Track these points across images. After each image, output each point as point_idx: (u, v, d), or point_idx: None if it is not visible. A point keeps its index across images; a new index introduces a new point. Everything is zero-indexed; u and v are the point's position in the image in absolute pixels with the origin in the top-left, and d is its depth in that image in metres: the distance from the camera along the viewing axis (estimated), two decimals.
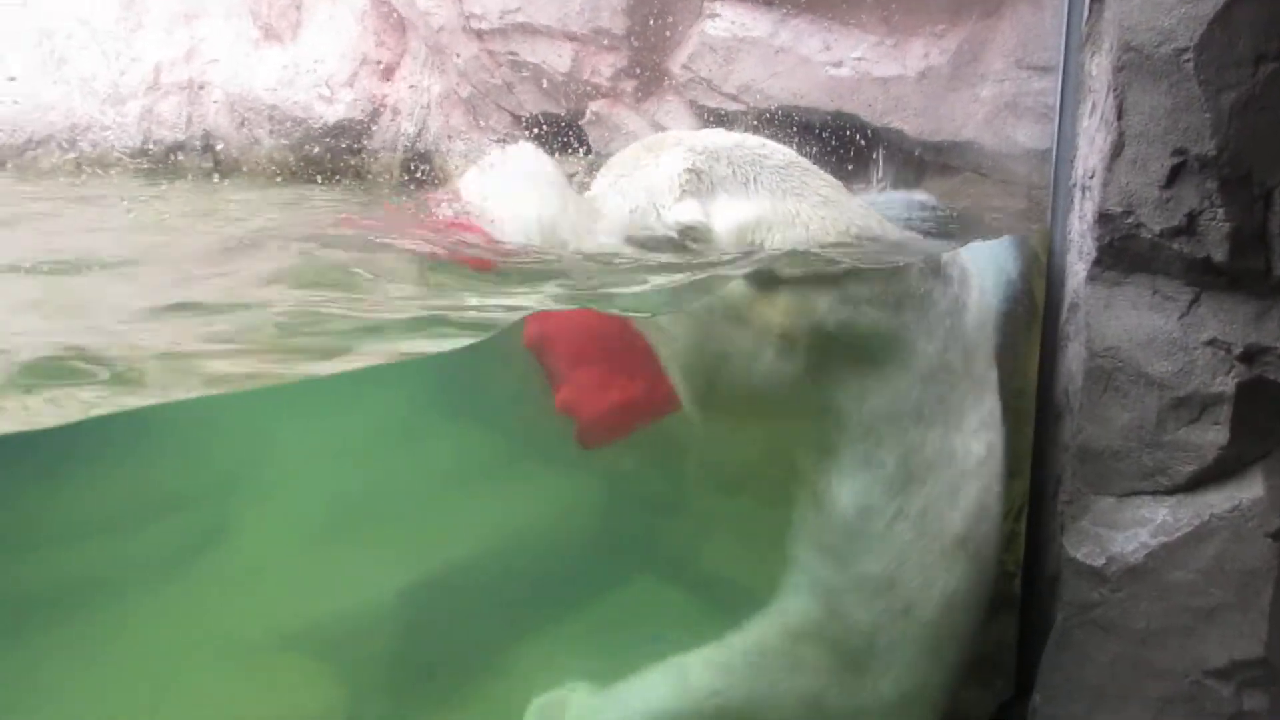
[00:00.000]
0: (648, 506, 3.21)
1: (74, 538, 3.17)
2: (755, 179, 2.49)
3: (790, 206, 2.48)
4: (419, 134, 5.95)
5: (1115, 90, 2.23)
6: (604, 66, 4.95)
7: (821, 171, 2.66)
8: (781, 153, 2.63)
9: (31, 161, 6.88)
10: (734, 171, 2.49)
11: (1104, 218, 2.30)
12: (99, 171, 6.60)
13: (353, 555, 3.31)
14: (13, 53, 6.82)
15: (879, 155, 3.93)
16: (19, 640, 2.92)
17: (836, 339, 2.35)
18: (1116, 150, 2.24)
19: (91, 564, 3.16)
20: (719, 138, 2.60)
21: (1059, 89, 2.76)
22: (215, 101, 6.58)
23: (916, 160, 3.83)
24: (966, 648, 2.72)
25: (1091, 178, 2.42)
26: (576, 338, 2.51)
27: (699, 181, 2.45)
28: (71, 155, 6.80)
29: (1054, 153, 2.85)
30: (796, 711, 2.63)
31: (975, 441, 2.52)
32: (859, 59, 3.86)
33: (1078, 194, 2.64)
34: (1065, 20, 2.68)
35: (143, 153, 6.66)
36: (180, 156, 6.61)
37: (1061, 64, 2.71)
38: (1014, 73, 3.39)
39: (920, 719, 2.71)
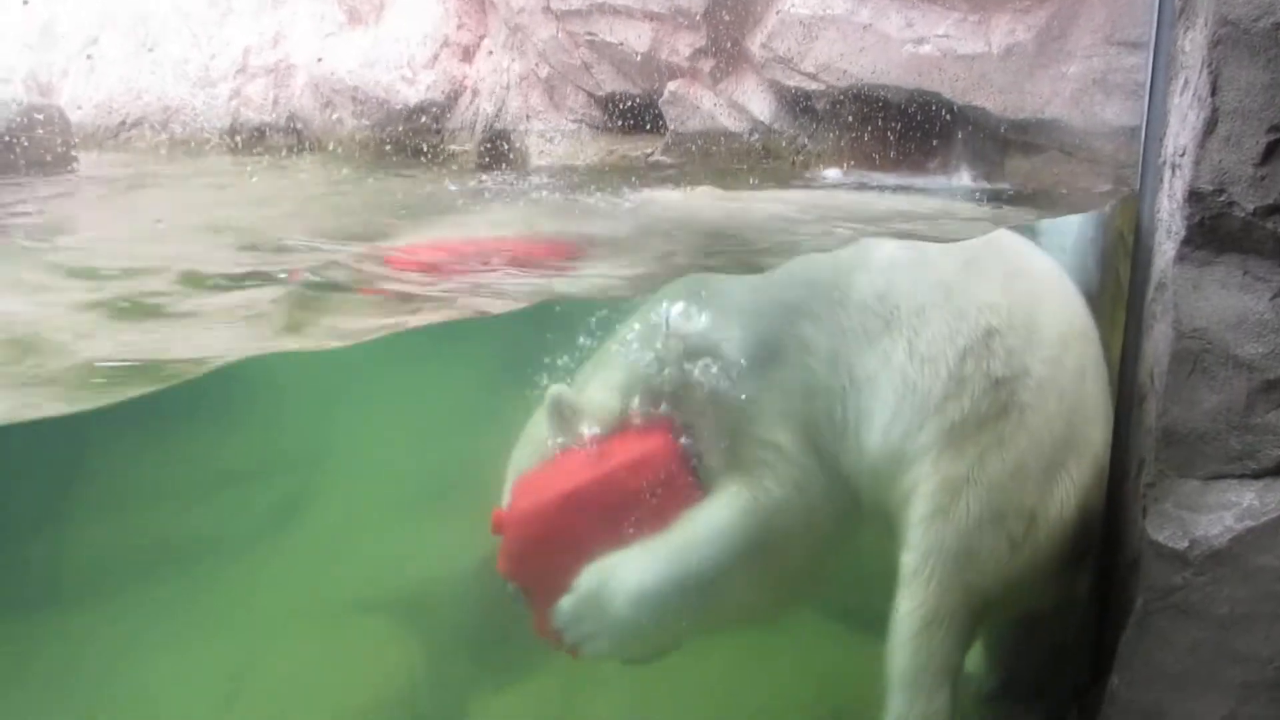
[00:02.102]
0: None
1: (172, 502, 3.33)
2: None
3: None
4: (498, 114, 6.03)
5: (1209, 65, 2.17)
6: (682, 46, 4.95)
7: None
8: None
9: (126, 142, 7.13)
10: None
11: (1194, 196, 2.25)
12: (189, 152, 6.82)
13: (433, 525, 3.41)
14: (109, 36, 7.08)
15: (961, 134, 3.88)
16: (120, 598, 3.08)
17: None
18: (1209, 127, 2.19)
19: (188, 527, 3.31)
20: None
21: (1149, 65, 2.70)
22: (300, 84, 6.74)
23: (1000, 139, 3.77)
24: None
25: (1182, 155, 2.37)
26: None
27: None
28: (164, 136, 7.03)
29: (1143, 130, 2.79)
30: None
31: None
32: (942, 36, 3.80)
33: (1167, 172, 2.58)
34: None
35: (231, 134, 6.85)
36: (267, 137, 6.79)
37: (1153, 39, 2.65)
38: (1103, 49, 3.32)
39: None
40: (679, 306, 2.80)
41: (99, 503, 3.18)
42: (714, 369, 2.76)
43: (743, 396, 2.76)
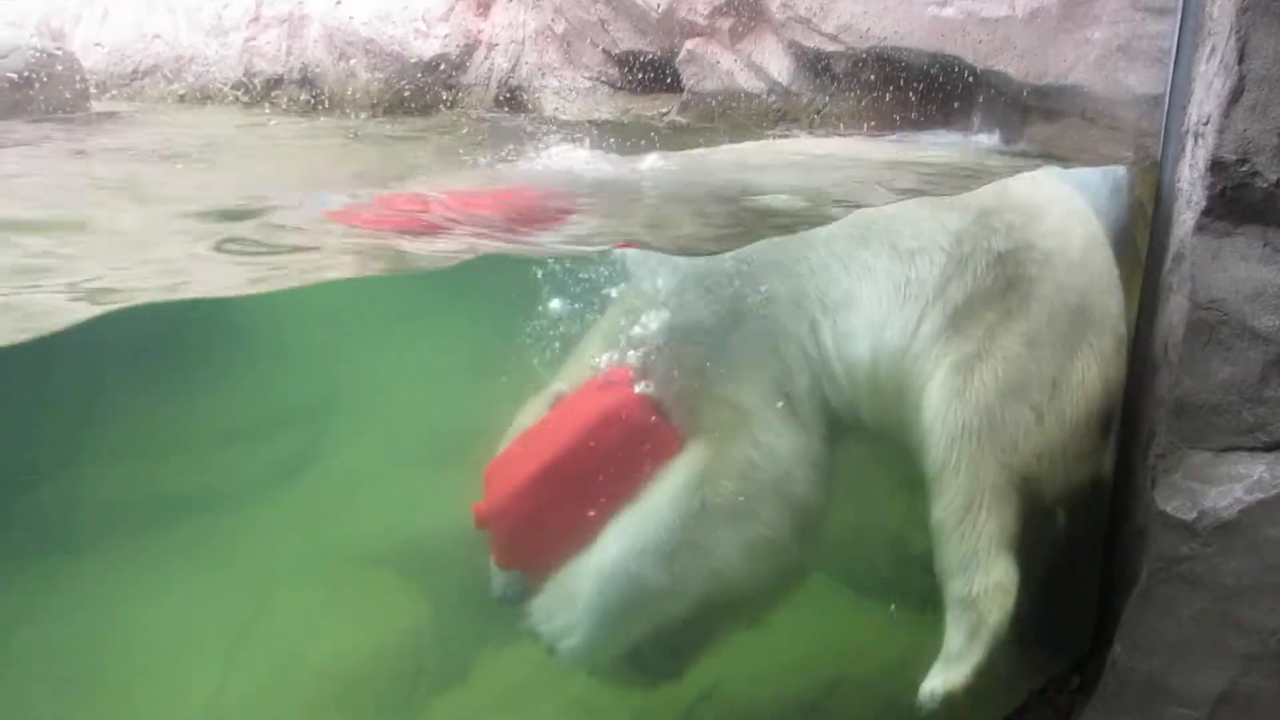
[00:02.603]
0: None
1: (183, 453, 3.34)
2: None
3: None
4: (513, 69, 5.98)
5: (1238, 32, 2.14)
6: (701, 4, 4.89)
7: None
8: None
9: (138, 91, 7.10)
10: None
11: (1217, 165, 2.22)
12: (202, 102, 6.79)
13: (442, 479, 3.42)
14: None
15: (982, 98, 3.83)
16: (130, 545, 3.11)
17: None
18: (1235, 95, 2.16)
19: (201, 476, 3.33)
20: None
21: (1176, 31, 2.66)
22: (314, 35, 6.69)
23: (1021, 104, 3.72)
24: None
25: (1206, 124, 2.34)
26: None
27: None
28: (175, 86, 7.00)
29: (1167, 98, 2.76)
30: None
31: None
32: None
33: (1190, 141, 2.55)
34: None
35: (243, 85, 6.81)
36: (279, 89, 6.75)
37: (1180, 5, 2.61)
38: (1129, 14, 3.26)
39: None
40: (642, 264, 2.73)
41: (110, 451, 3.20)
42: (673, 329, 2.68)
43: (701, 358, 2.67)
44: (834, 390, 2.72)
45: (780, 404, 2.68)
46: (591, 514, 2.63)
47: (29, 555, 3.02)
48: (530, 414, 2.83)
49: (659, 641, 2.80)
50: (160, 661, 2.93)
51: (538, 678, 3.29)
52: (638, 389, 2.68)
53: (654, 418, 2.66)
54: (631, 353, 2.71)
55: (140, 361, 2.68)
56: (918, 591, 3.40)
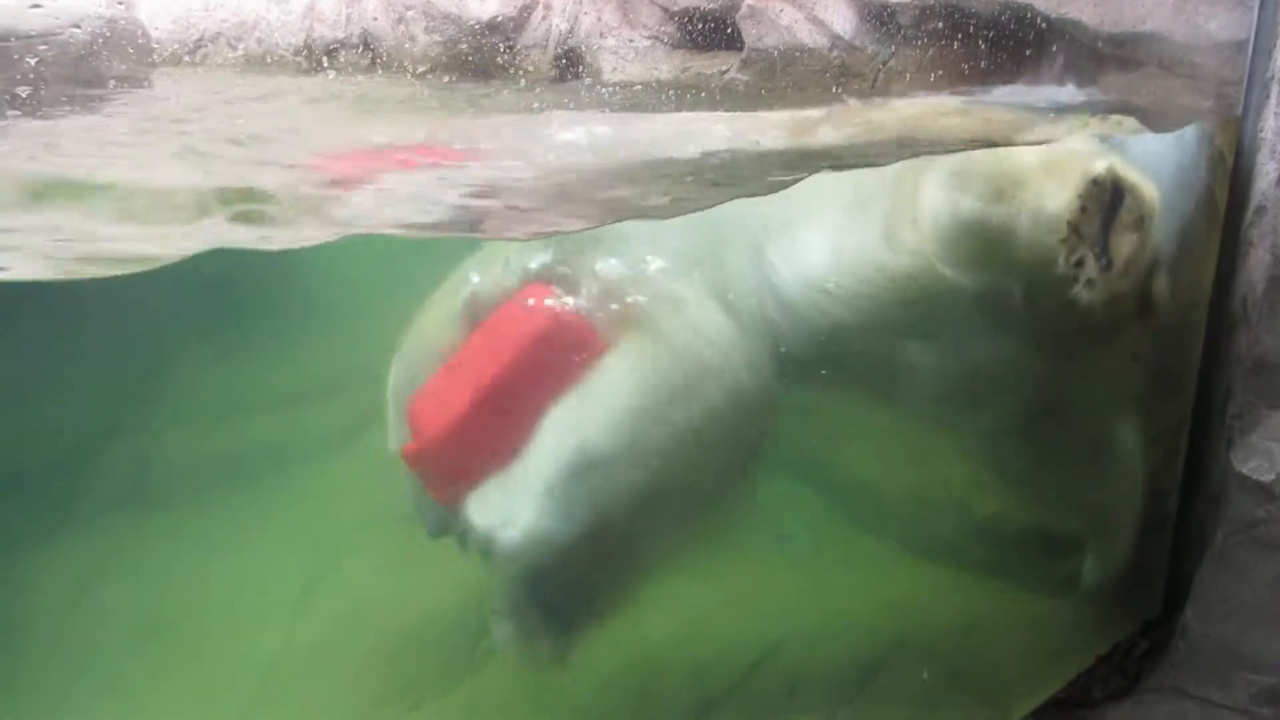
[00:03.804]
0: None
1: (248, 412, 3.42)
2: None
3: None
4: (571, 31, 5.93)
5: None
6: None
7: None
8: None
9: (203, 58, 7.20)
10: None
11: None
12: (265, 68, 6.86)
13: None
14: None
15: (1056, 48, 3.70)
16: (198, 503, 3.20)
17: None
18: None
19: (269, 434, 3.41)
20: None
21: None
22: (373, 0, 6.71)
23: (1095, 53, 3.58)
24: None
25: None
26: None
27: None
28: (239, 52, 7.08)
29: (1251, 44, 2.64)
30: None
31: None
32: None
33: (1275, 88, 2.45)
34: None
35: (305, 50, 6.87)
36: (339, 55, 6.79)
37: None
38: None
39: None
40: None
41: (181, 409, 3.28)
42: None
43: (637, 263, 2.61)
44: (779, 310, 2.66)
45: (717, 302, 2.61)
46: (529, 433, 2.52)
47: (104, 511, 3.13)
48: (442, 322, 2.74)
49: (585, 571, 2.73)
50: (230, 615, 3.02)
51: (597, 637, 3.33)
52: (566, 301, 2.58)
53: (586, 328, 2.56)
54: (558, 262, 2.62)
55: (208, 318, 2.74)
56: (979, 557, 3.37)
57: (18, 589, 2.92)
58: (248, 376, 3.39)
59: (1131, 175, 2.34)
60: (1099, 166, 2.29)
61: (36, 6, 3.99)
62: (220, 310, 2.93)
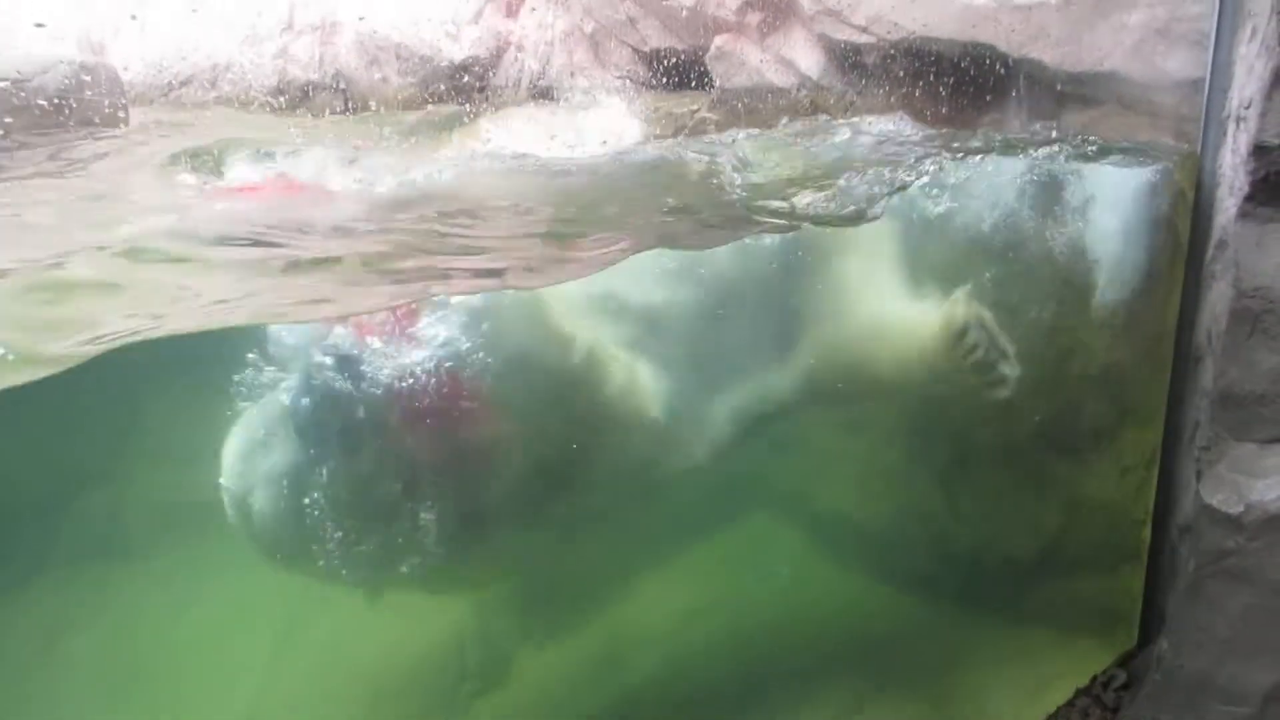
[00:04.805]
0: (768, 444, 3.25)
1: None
2: None
3: None
4: (543, 71, 5.98)
5: (1279, 12, 2.09)
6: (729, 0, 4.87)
7: None
8: None
9: (177, 99, 7.20)
10: None
11: (1260, 150, 2.18)
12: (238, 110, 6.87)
13: None
14: None
15: (1018, 88, 3.77)
16: (178, 551, 3.16)
17: None
18: (1278, 77, 2.12)
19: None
20: None
21: (1215, 13, 2.61)
22: (346, 41, 6.75)
23: (1055, 93, 3.66)
24: None
25: (1248, 108, 2.29)
26: None
27: None
28: (213, 94, 7.09)
29: (1207, 82, 2.70)
30: None
31: None
32: None
33: (1231, 125, 2.50)
34: None
35: (279, 92, 6.88)
36: (312, 96, 6.81)
37: None
38: None
39: None
40: None
41: (153, 458, 3.25)
42: None
43: None
44: None
45: None
46: None
47: (86, 559, 3.09)
48: None
49: None
50: (205, 663, 2.98)
51: (579, 677, 3.31)
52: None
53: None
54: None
55: (178, 373, 2.72)
56: (958, 588, 3.38)
57: None
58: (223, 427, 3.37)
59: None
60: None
61: None
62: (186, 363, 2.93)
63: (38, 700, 2.85)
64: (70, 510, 3.03)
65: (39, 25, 5.17)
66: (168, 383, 2.73)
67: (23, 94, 4.27)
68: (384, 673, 3.19)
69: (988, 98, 3.79)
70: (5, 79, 4.26)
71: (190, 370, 2.69)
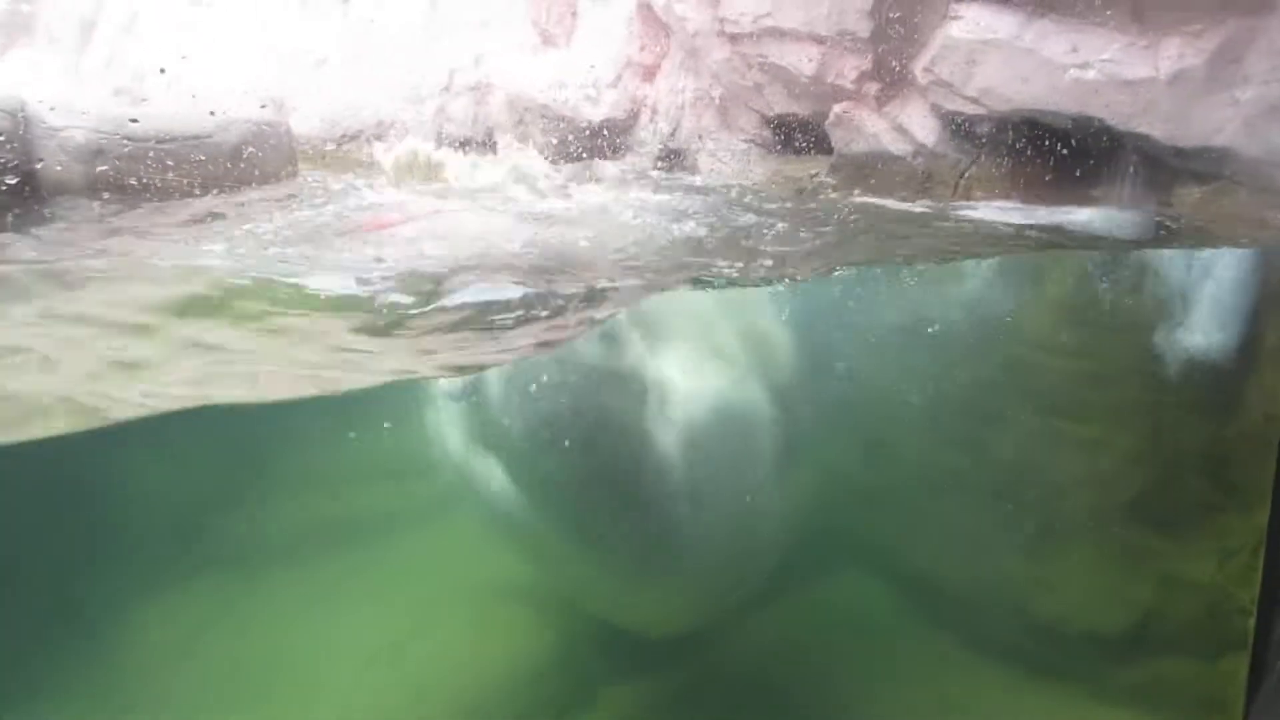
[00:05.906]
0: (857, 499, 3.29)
1: (349, 489, 3.68)
2: None
3: None
4: (673, 133, 6.23)
5: None
6: (848, 69, 4.98)
7: None
8: None
9: (345, 154, 7.79)
10: None
11: None
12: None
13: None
14: (335, 57, 7.79)
15: (1126, 161, 3.75)
16: (300, 569, 3.44)
17: None
18: None
19: (361, 512, 3.65)
20: None
21: None
22: (498, 101, 7.19)
23: (1167, 167, 3.62)
24: None
25: None
26: None
27: None
28: (375, 149, 7.63)
29: None
30: None
31: None
32: (1107, 60, 3.68)
33: None
34: None
35: (436, 146, 7.36)
36: (466, 151, 7.27)
37: None
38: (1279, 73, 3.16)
39: None
40: None
41: (286, 486, 3.55)
42: None
43: None
44: None
45: None
46: None
47: (219, 571, 3.40)
48: None
49: None
50: (328, 668, 3.23)
51: (660, 709, 3.40)
52: None
53: None
54: None
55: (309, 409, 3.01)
56: (1042, 657, 3.32)
57: (130, 645, 3.20)
58: (350, 454, 3.65)
59: None
60: None
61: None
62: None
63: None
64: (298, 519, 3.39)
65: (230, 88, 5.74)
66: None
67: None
68: (471, 696, 3.36)
69: (1099, 170, 3.78)
70: (196, 136, 4.78)
71: None
